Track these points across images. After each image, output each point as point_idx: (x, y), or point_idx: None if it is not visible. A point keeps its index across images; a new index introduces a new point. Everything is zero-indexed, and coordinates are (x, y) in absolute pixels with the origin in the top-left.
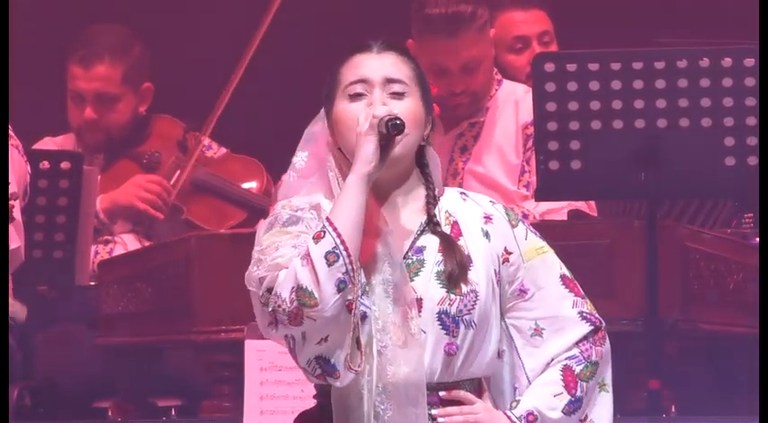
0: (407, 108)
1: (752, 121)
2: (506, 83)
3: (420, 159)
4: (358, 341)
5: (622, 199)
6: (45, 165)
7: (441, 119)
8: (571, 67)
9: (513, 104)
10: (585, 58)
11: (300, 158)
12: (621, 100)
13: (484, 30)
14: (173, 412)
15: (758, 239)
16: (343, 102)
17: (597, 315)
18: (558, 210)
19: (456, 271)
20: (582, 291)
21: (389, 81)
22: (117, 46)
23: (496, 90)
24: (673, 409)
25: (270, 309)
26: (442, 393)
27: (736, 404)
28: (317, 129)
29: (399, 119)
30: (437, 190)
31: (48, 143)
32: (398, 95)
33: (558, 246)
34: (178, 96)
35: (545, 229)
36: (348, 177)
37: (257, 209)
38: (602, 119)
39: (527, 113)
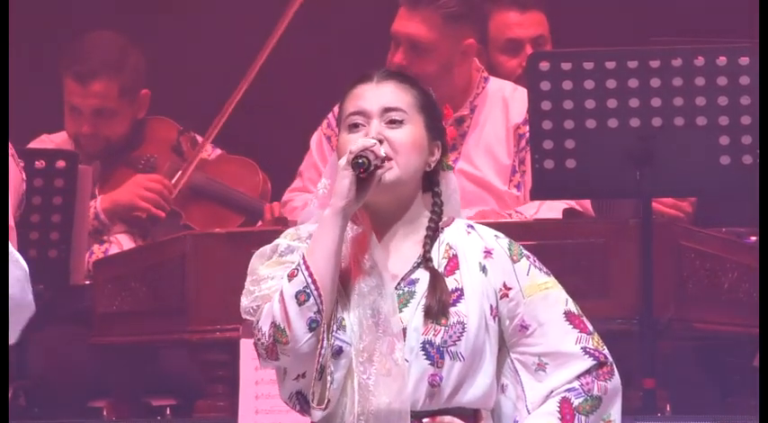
0: (404, 135)
1: (747, 119)
2: (493, 80)
3: (432, 186)
4: (324, 377)
5: (617, 198)
6: (40, 164)
7: None
8: (566, 66)
9: (501, 102)
10: (580, 57)
11: (323, 186)
12: (616, 99)
13: (449, 21)
14: (167, 412)
15: (753, 238)
16: (344, 133)
17: (604, 351)
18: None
19: (435, 308)
20: (590, 327)
21: (387, 110)
22: (112, 60)
23: (483, 87)
24: (668, 409)
25: (254, 341)
26: (425, 420)
27: (730, 403)
28: (336, 157)
29: (364, 157)
30: (444, 219)
31: (45, 141)
32: (396, 123)
33: (553, 245)
34: (174, 98)
35: (540, 228)
36: (325, 212)
37: (255, 212)
38: (597, 117)
39: (518, 113)
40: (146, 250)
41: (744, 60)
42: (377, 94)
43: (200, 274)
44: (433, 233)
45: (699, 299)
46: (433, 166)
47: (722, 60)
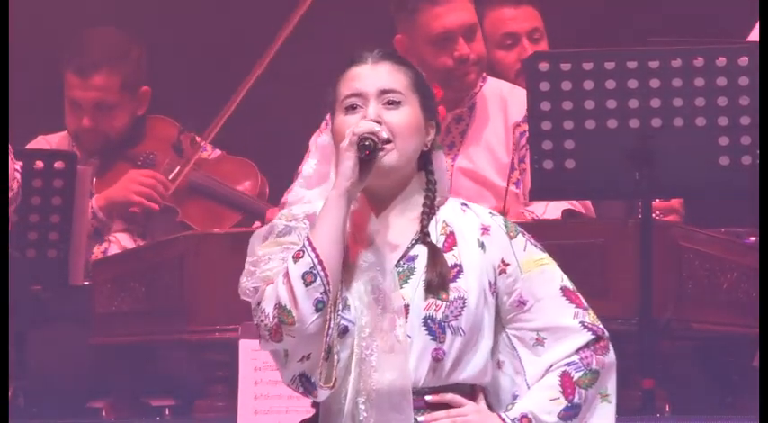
0: (402, 117)
1: (746, 120)
2: (490, 80)
3: (426, 165)
4: (332, 357)
5: (616, 198)
6: (39, 164)
7: None
8: (565, 67)
9: (499, 101)
10: (580, 58)
11: (309, 166)
12: (616, 99)
13: None
14: (166, 412)
15: (753, 239)
16: (340, 115)
17: (600, 325)
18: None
19: (435, 281)
20: (584, 302)
21: (384, 92)
22: (113, 54)
23: (481, 86)
24: (667, 409)
25: (255, 322)
26: (428, 397)
27: (729, 403)
28: (326, 138)
29: (370, 140)
30: (438, 198)
31: (41, 142)
32: (394, 105)
33: (552, 245)
34: (176, 98)
35: (539, 228)
36: (329, 193)
37: (252, 211)
38: (597, 118)
39: (517, 112)
40: (145, 250)
41: (743, 61)
42: (373, 76)
43: (200, 274)
44: (429, 210)
45: (698, 299)
46: (429, 146)
47: (721, 61)
